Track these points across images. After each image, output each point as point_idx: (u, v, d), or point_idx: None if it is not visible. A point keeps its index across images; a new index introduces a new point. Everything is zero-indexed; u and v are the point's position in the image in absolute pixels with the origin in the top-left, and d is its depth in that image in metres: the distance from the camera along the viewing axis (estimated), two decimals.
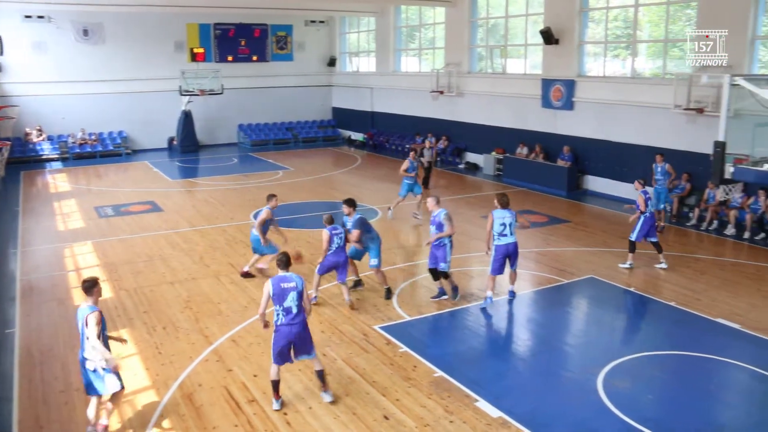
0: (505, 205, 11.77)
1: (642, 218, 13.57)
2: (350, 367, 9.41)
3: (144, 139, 32.44)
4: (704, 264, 14.36)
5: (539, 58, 24.11)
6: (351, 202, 12.27)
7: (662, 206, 16.86)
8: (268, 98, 35.23)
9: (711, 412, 8.48)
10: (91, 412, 7.72)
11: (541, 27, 22.81)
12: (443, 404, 8.44)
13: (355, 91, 35.53)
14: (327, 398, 8.46)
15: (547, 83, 23.23)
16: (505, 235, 11.64)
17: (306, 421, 8.06)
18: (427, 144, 23.15)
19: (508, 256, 11.70)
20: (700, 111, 17.76)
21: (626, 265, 13.80)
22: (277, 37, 35.45)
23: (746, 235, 16.21)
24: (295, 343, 8.23)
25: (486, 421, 8.04)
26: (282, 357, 8.24)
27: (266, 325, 8.45)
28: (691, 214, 17.97)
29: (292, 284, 8.13)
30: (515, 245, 11.74)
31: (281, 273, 8.25)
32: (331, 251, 11.57)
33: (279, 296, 8.08)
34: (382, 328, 10.79)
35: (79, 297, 12.39)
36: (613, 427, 7.97)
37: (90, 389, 7.60)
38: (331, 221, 11.71)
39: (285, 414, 8.19)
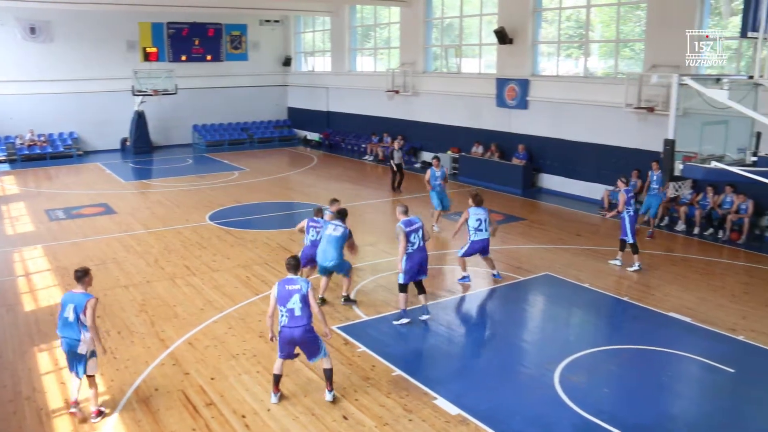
0: (479, 203, 12.61)
1: (626, 218, 13.52)
2: (308, 368, 9.36)
3: (96, 140, 31.83)
4: (656, 259, 14.65)
5: (494, 57, 24.33)
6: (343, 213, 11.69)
7: (654, 213, 16.41)
8: (222, 98, 34.89)
9: (664, 404, 8.65)
10: (74, 392, 8.21)
11: (495, 27, 23.02)
12: (402, 403, 8.46)
13: (310, 91, 35.40)
14: (327, 397, 8.46)
15: (501, 82, 23.46)
16: (481, 230, 12.46)
17: (265, 423, 8.01)
18: (396, 145, 22.88)
19: (482, 250, 12.65)
20: (650, 110, 18.13)
21: (614, 262, 13.92)
22: (231, 37, 35.12)
23: (696, 230, 16.59)
24: (299, 345, 8.29)
25: (445, 419, 8.09)
26: (285, 353, 8.35)
27: (272, 338, 8.44)
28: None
29: (297, 287, 8.14)
30: (488, 241, 12.63)
31: (289, 275, 8.31)
32: None
33: (283, 298, 8.11)
34: (340, 328, 10.78)
35: (29, 303, 12.16)
36: (570, 420, 8.10)
37: (71, 367, 8.11)
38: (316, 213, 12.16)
39: (243, 417, 8.13)
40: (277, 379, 8.48)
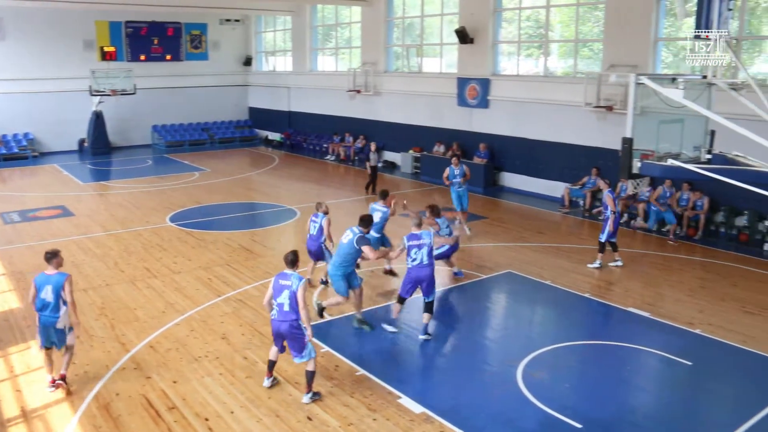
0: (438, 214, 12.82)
1: (610, 218, 13.54)
2: None
3: (52, 141, 31.22)
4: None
5: (455, 57, 24.46)
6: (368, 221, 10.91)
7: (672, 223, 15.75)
8: (182, 98, 34.50)
9: (625, 397, 8.81)
10: (48, 366, 8.75)
11: (456, 26, 23.15)
12: (366, 402, 8.46)
13: (271, 91, 35.21)
14: (304, 399, 8.49)
15: (462, 82, 23.60)
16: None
17: (228, 425, 7.94)
18: (372, 147, 22.48)
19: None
20: (609, 108, 18.42)
21: (595, 265, 13.83)
22: (191, 36, 34.76)
23: (654, 226, 16.87)
24: (286, 340, 8.43)
25: (409, 417, 8.11)
26: (276, 343, 8.59)
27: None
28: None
29: (288, 283, 8.26)
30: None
31: (285, 270, 8.43)
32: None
33: (276, 291, 8.34)
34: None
35: None
36: (533, 416, 8.18)
37: (46, 342, 8.62)
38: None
39: (206, 420, 8.05)
40: (270, 364, 8.78)
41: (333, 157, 29.18)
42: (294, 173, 26.02)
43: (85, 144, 31.48)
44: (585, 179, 19.43)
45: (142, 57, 33.14)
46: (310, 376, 8.46)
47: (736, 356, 9.96)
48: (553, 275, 13.37)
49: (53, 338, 8.59)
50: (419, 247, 10.40)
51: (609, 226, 13.59)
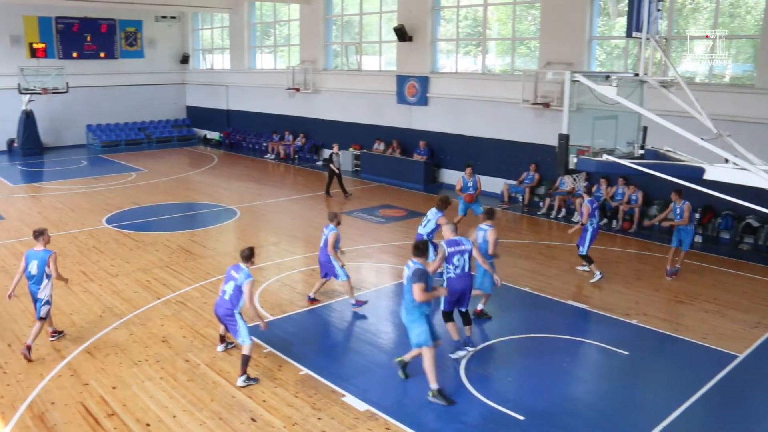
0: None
1: (589, 230, 12.88)
2: (214, 372, 9.21)
3: None
4: (555, 250, 15.17)
5: (394, 54, 24.55)
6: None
7: (687, 248, 13.33)
8: (118, 97, 33.70)
9: (565, 388, 9.00)
10: (34, 333, 9.63)
11: (395, 24, 23.23)
12: (310, 402, 8.44)
13: (209, 89, 34.71)
14: (239, 382, 8.84)
15: (401, 79, 23.71)
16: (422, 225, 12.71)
17: (171, 430, 7.81)
18: (335, 148, 21.31)
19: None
20: (546, 105, 18.77)
21: (597, 279, 12.96)
22: (126, 33, 33.97)
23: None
24: (222, 323, 9.20)
25: (354, 415, 8.13)
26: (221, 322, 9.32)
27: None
28: (541, 204, 18.95)
29: (237, 276, 8.81)
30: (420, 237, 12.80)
31: (240, 263, 8.93)
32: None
33: (226, 278, 8.97)
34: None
35: None
36: (477, 410, 8.31)
37: (40, 314, 9.70)
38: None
39: (148, 425, 7.90)
40: (220, 337, 9.81)
41: (273, 156, 28.97)
42: (233, 172, 25.73)
43: (15, 144, 30.43)
44: (524, 175, 19.75)
45: (75, 54, 32.20)
46: (244, 360, 8.86)
47: (670, 344, 10.29)
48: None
49: (36, 307, 9.68)
50: (461, 253, 9.46)
51: (588, 238, 12.90)
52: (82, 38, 32.48)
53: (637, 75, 8.32)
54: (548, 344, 10.30)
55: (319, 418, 8.06)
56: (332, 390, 8.73)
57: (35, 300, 9.73)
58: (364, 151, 25.02)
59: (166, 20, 35.17)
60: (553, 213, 18.32)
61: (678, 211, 13.12)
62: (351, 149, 25.66)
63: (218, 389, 8.75)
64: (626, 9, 8.63)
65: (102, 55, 33.18)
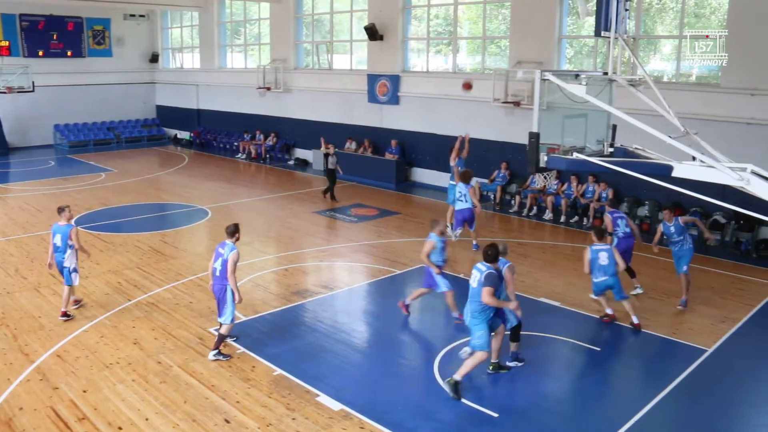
0: (466, 179, 14.57)
1: (615, 241, 11.93)
2: (187, 373, 9.14)
3: None
4: (527, 248, 15.28)
5: (365, 53, 24.54)
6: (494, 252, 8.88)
7: (684, 269, 11.77)
8: (86, 96, 33.23)
9: (539, 385, 9.06)
10: (65, 298, 11.06)
11: (366, 23, 23.21)
12: (284, 402, 8.42)
13: (179, 89, 34.39)
14: (210, 356, 9.54)
15: (372, 78, 23.71)
16: (461, 201, 14.51)
17: None
18: (331, 149, 20.56)
19: (466, 219, 14.67)
20: (516, 104, 18.88)
21: (637, 291, 12.35)
22: (93, 32, 33.53)
23: (562, 218, 17.42)
24: (217, 301, 9.61)
25: (328, 415, 8.12)
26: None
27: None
28: (512, 202, 19.07)
29: (222, 252, 9.47)
30: (471, 211, 14.54)
31: (225, 240, 9.64)
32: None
33: (215, 257, 9.60)
34: (217, 330, 10.54)
35: None
36: (451, 408, 8.34)
37: (73, 281, 10.95)
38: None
39: (120, 429, 7.81)
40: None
41: (244, 156, 28.82)
42: (204, 172, 25.54)
43: None
44: (495, 173, 19.86)
45: (41, 53, 31.66)
46: (221, 337, 9.61)
47: (641, 340, 10.42)
48: (466, 268, 13.56)
49: (65, 277, 10.91)
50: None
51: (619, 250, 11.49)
52: (48, 36, 31.97)
53: (606, 74, 8.40)
54: (521, 341, 10.35)
55: (294, 419, 8.04)
56: (306, 390, 8.71)
57: (61, 269, 10.97)
58: (336, 150, 24.92)
59: (135, 18, 34.79)
60: (525, 211, 18.45)
61: (673, 230, 11.71)
62: (322, 149, 25.57)
63: (191, 391, 8.69)
64: (594, 9, 8.71)
65: (69, 53, 32.69)
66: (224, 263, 9.39)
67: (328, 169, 20.21)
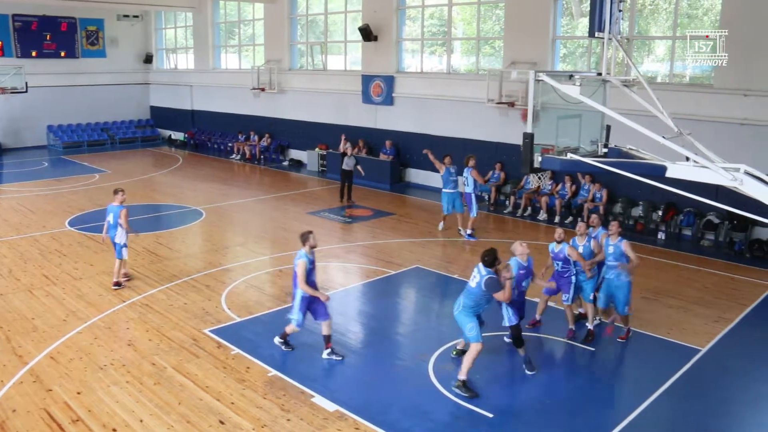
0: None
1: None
2: (181, 374, 9.12)
3: None
4: None
5: (359, 54, 24.54)
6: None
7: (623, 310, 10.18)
8: (80, 97, 33.13)
9: (533, 385, 9.07)
10: (116, 270, 12.46)
11: (360, 24, 23.21)
12: (279, 403, 8.41)
13: (173, 89, 34.33)
14: (324, 353, 9.68)
15: (367, 79, 23.71)
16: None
17: None
18: (349, 150, 20.33)
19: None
20: (511, 104, 18.90)
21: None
22: (87, 32, 33.43)
23: (557, 219, 17.44)
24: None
25: (323, 416, 8.11)
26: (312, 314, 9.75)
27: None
28: (507, 202, 19.09)
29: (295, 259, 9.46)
30: (469, 195, 15.64)
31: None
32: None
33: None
34: (212, 331, 10.56)
35: None
36: (446, 408, 8.34)
37: (121, 255, 12.37)
38: None
39: (114, 430, 7.79)
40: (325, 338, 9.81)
41: (238, 157, 28.79)
42: (199, 173, 25.49)
43: None
44: (490, 174, 19.87)
45: (34, 53, 31.54)
46: (326, 338, 9.70)
47: (635, 340, 10.43)
48: (460, 269, 13.62)
49: (120, 252, 12.35)
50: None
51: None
52: (42, 37, 31.85)
53: (600, 74, 8.44)
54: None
55: (288, 419, 8.03)
56: (301, 391, 8.71)
57: (114, 244, 12.39)
58: (330, 151, 24.95)
59: (129, 19, 34.67)
60: (519, 211, 18.47)
61: (613, 250, 9.98)
62: (317, 149, 25.59)
63: (185, 392, 8.67)
64: (588, 9, 8.74)
65: (62, 54, 32.59)
66: (294, 271, 9.47)
67: (343, 169, 20.02)
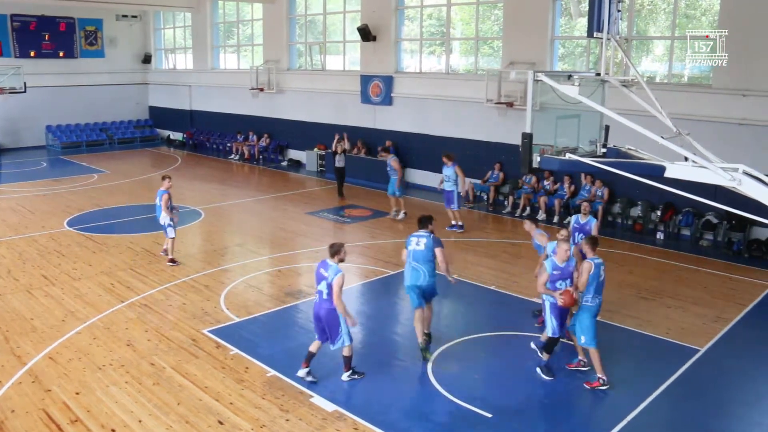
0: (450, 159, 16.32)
1: None
2: (180, 375, 9.12)
3: None
4: (520, 248, 15.30)
5: (358, 54, 24.54)
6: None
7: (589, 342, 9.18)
8: (78, 97, 33.12)
9: (532, 385, 9.07)
10: (170, 248, 13.97)
11: (359, 24, 23.21)
12: (278, 403, 8.40)
13: (172, 89, 34.32)
14: (343, 377, 9.00)
15: (366, 79, 23.71)
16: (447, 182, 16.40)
17: None
18: (339, 148, 20.80)
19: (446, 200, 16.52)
20: (509, 105, 18.91)
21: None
22: (85, 32, 33.41)
23: (555, 219, 17.44)
24: (324, 325, 8.80)
25: (322, 416, 8.11)
26: (317, 332, 9.02)
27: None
28: (506, 202, 19.09)
29: (326, 274, 8.65)
30: (452, 193, 16.38)
31: (326, 259, 8.78)
32: None
33: (316, 279, 8.81)
34: (211, 331, 10.56)
35: None
36: (445, 408, 8.35)
37: (167, 234, 13.85)
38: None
39: (113, 431, 7.79)
40: (309, 355, 9.05)
41: (237, 157, 28.78)
42: (197, 173, 25.49)
43: None
44: (489, 174, 19.89)
45: (33, 53, 31.53)
46: (347, 360, 9.00)
47: (634, 340, 10.45)
48: (460, 269, 13.60)
49: (166, 231, 13.91)
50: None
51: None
52: (40, 37, 31.84)
53: (598, 74, 8.42)
54: (515, 342, 10.39)
55: (287, 420, 8.03)
56: (300, 391, 8.71)
57: (161, 225, 13.97)
58: (329, 151, 24.91)
59: (127, 19, 34.67)
60: (518, 211, 18.47)
61: (580, 266, 9.20)
62: (316, 149, 25.59)
63: (184, 392, 8.67)
64: (587, 10, 8.74)
65: (61, 54, 32.58)
66: (329, 287, 8.60)
67: (336, 167, 20.73)
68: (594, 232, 10.96)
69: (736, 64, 14.29)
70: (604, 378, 8.85)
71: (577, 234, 11.17)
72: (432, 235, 9.88)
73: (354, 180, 22.73)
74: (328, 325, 8.76)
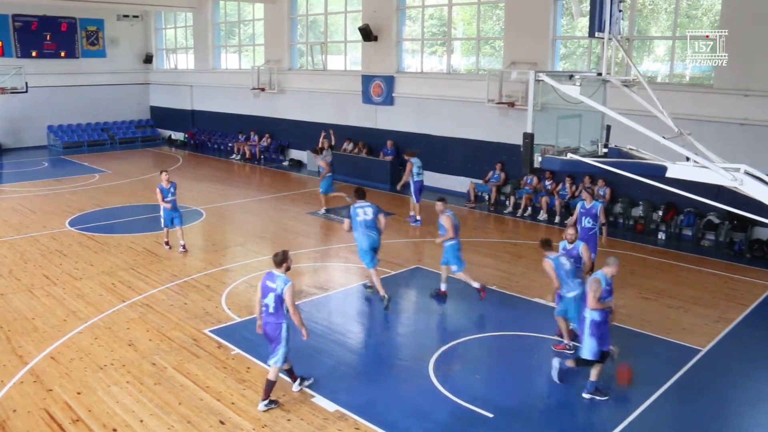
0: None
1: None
2: (182, 375, 9.12)
3: None
4: (521, 248, 15.29)
5: (359, 54, 24.54)
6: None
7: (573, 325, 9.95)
8: (80, 97, 33.14)
9: (533, 385, 9.08)
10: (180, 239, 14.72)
11: (360, 24, 23.21)
12: (279, 403, 8.40)
13: (173, 89, 34.33)
14: (260, 406, 8.25)
15: (367, 79, 23.71)
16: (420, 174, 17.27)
17: None
18: (325, 143, 20.33)
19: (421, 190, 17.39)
20: (511, 105, 18.89)
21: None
22: (87, 32, 33.43)
23: (557, 219, 17.44)
24: (269, 341, 8.33)
25: (323, 416, 8.11)
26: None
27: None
28: (507, 202, 19.09)
29: (274, 285, 8.07)
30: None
31: (273, 270, 8.22)
32: None
33: (263, 292, 8.18)
34: (212, 331, 10.56)
35: None
36: (446, 408, 8.34)
37: (169, 224, 14.73)
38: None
39: (114, 431, 7.79)
40: (288, 372, 8.66)
41: (238, 157, 28.79)
42: (199, 173, 25.49)
43: None
44: (490, 174, 19.88)
45: (34, 53, 31.55)
46: (269, 384, 8.27)
47: (636, 340, 10.43)
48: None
49: (175, 218, 14.75)
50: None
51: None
52: (42, 37, 31.85)
53: (599, 74, 8.42)
54: (516, 341, 10.38)
55: (289, 420, 8.04)
56: (301, 391, 8.70)
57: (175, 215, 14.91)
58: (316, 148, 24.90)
59: (129, 19, 34.68)
60: (519, 211, 18.47)
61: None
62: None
63: (186, 392, 8.67)
64: (588, 9, 8.73)
65: (62, 54, 32.59)
66: (278, 299, 8.06)
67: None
68: (600, 215, 12.02)
69: (738, 64, 14.29)
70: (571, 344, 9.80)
71: (583, 218, 11.96)
72: (373, 204, 11.92)
73: (354, 180, 22.71)
74: (270, 339, 8.31)
